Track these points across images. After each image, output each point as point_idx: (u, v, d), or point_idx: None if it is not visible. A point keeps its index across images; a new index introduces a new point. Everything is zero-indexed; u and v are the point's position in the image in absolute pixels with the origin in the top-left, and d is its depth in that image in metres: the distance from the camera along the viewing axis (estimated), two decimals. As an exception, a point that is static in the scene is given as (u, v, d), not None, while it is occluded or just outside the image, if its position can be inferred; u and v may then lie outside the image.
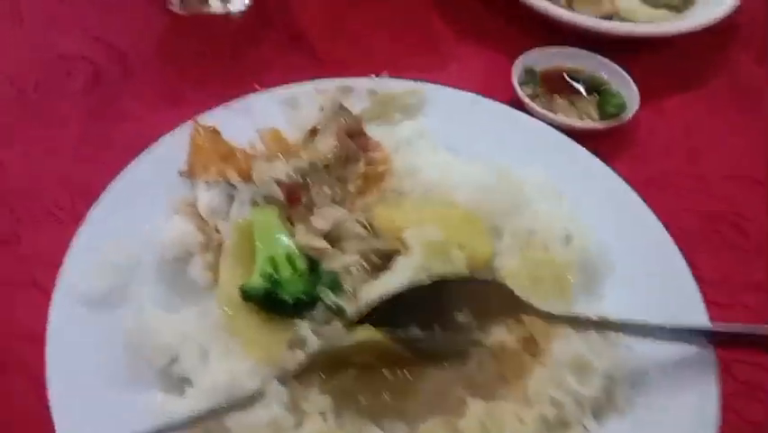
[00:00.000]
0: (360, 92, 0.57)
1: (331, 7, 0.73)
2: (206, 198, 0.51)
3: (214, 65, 0.66)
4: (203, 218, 0.51)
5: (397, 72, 0.63)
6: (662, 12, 0.74)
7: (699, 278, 0.53)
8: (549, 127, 0.57)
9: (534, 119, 0.58)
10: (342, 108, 0.54)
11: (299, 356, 0.46)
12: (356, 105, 0.56)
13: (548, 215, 0.51)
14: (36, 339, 0.48)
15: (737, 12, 0.73)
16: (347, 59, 0.67)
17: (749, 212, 0.58)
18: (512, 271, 0.49)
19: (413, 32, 0.71)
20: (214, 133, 0.53)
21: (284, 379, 0.45)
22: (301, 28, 0.70)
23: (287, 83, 0.58)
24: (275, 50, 0.68)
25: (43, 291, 0.49)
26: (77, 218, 0.52)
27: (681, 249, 0.53)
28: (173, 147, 0.54)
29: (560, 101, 0.63)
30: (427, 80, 0.61)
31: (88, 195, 0.52)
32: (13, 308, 0.52)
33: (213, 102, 0.57)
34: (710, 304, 0.52)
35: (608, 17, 0.70)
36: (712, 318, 0.52)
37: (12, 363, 0.50)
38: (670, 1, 0.74)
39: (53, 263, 0.50)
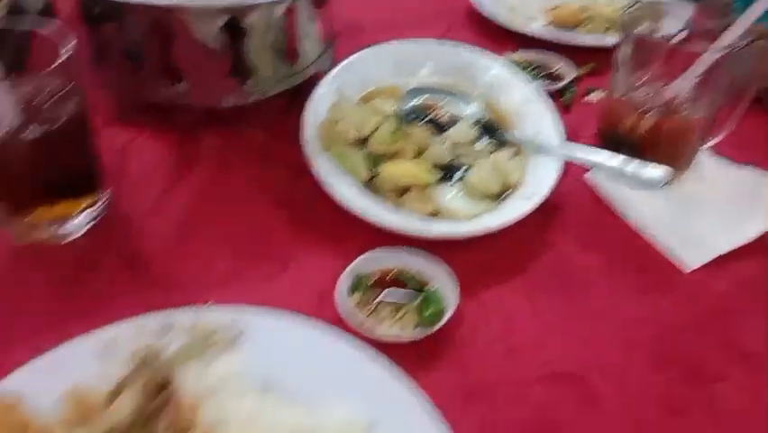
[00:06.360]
0: (181, 326, 0.55)
1: (176, 223, 0.72)
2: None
3: (49, 301, 0.63)
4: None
5: (237, 288, 0.64)
6: (483, 205, 0.73)
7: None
8: (363, 348, 0.56)
9: (350, 339, 0.57)
10: (151, 356, 0.52)
11: None
12: (176, 342, 0.54)
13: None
14: None
15: (556, 194, 0.74)
16: (190, 280, 0.65)
17: (563, 416, 0.57)
18: None
19: (259, 246, 0.70)
20: (9, 406, 0.49)
21: None
22: (144, 250, 0.68)
23: (123, 317, 0.56)
24: (114, 278, 0.65)
25: None
26: None
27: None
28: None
29: (385, 309, 0.62)
30: (260, 300, 0.60)
31: None
32: None
33: (43, 346, 0.54)
34: None
35: (435, 215, 0.71)
36: None
37: None
38: (489, 192, 0.74)
39: None
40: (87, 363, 0.53)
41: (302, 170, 0.73)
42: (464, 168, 0.76)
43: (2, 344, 0.59)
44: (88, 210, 0.69)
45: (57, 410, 0.50)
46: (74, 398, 0.51)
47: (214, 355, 0.55)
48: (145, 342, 0.54)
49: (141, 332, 0.55)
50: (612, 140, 0.80)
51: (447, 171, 0.75)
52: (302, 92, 0.81)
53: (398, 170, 0.72)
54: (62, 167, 0.66)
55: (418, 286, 0.64)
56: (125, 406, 0.49)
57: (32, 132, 0.60)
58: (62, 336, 0.55)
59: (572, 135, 0.81)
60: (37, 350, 0.54)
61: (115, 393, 0.50)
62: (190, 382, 0.53)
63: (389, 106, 0.81)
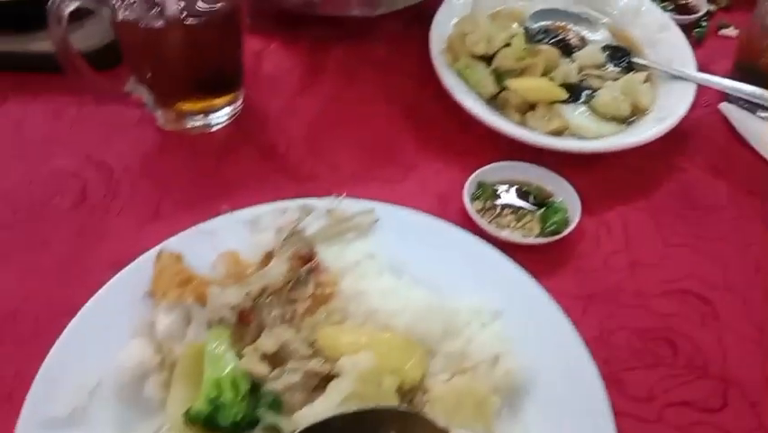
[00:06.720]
0: (319, 212, 0.60)
1: (306, 125, 0.75)
2: (165, 320, 0.53)
3: (195, 182, 0.68)
4: (161, 340, 0.52)
5: (364, 187, 0.66)
6: (611, 126, 0.72)
7: (628, 395, 0.54)
8: (489, 247, 0.58)
9: (476, 238, 0.59)
10: (297, 232, 0.57)
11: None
12: (314, 225, 0.59)
13: (479, 338, 0.53)
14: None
15: (686, 120, 0.72)
16: (319, 175, 0.69)
17: (683, 329, 0.57)
18: (439, 394, 0.50)
19: (383, 151, 0.73)
20: (176, 259, 0.55)
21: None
22: (278, 145, 0.72)
23: (260, 200, 0.61)
24: (251, 167, 0.70)
25: (17, 408, 0.49)
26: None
27: (607, 369, 0.52)
28: (142, 271, 0.56)
29: (507, 216, 0.64)
30: (386, 199, 0.62)
31: (71, 316, 0.54)
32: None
33: (191, 219, 0.59)
34: (638, 420, 0.53)
35: (559, 132, 0.71)
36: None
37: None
38: (618, 113, 0.73)
39: (30, 382, 0.50)
40: (237, 234, 0.58)
41: (426, 83, 0.74)
42: (591, 90, 0.75)
43: (153, 217, 0.65)
44: (229, 106, 0.73)
45: (212, 271, 0.56)
46: (229, 260, 0.56)
47: (351, 238, 0.59)
48: (289, 221, 0.59)
49: (284, 213, 0.60)
50: (751, 72, 0.76)
51: (573, 92, 0.74)
52: (423, 10, 0.82)
53: (528, 85, 0.72)
54: (211, 61, 0.70)
55: (540, 199, 0.65)
56: (276, 270, 0.53)
57: (189, 22, 0.64)
58: (208, 212, 0.60)
59: (704, 69, 0.78)
60: (187, 223, 0.59)
61: (267, 259, 0.55)
62: (330, 259, 0.57)
63: (516, 26, 0.80)
